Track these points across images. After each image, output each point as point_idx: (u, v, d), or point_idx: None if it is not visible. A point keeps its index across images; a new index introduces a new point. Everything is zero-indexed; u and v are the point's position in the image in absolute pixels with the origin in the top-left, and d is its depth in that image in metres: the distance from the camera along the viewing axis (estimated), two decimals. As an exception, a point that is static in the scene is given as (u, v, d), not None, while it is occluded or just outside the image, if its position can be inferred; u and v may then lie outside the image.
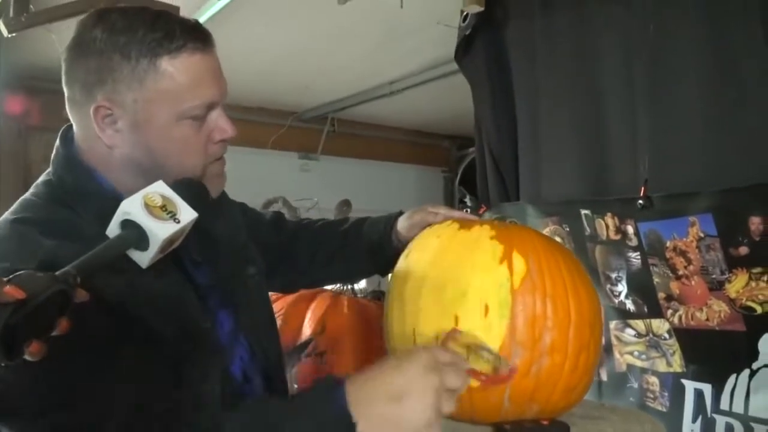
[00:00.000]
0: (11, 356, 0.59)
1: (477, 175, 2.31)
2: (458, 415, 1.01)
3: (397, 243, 1.22)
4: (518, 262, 0.97)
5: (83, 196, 0.91)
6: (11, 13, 1.98)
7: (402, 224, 1.22)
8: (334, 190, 3.46)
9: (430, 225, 1.16)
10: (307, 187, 3.99)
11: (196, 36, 0.91)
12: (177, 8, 2.20)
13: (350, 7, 2.37)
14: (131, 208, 0.75)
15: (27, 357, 0.60)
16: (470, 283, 0.97)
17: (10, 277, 0.60)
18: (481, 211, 2.20)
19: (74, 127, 0.95)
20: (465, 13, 2.10)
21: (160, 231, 0.75)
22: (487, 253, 0.99)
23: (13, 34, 2.14)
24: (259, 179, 3.99)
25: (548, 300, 0.96)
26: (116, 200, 0.89)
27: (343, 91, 4.04)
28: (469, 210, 2.28)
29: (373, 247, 1.24)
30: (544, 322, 0.95)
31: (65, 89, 0.93)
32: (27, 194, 0.95)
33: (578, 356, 0.97)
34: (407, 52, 3.25)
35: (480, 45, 2.18)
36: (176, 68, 0.88)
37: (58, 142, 0.96)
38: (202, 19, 2.52)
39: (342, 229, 1.30)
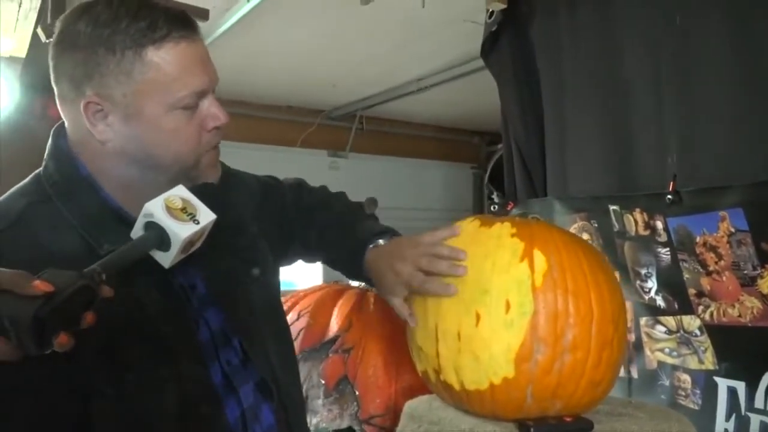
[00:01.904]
0: (41, 347, 0.63)
1: (504, 172, 2.30)
2: (481, 411, 1.01)
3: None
4: (539, 259, 0.98)
5: (60, 180, 0.92)
6: (48, 19, 2.04)
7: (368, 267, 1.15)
8: (363, 187, 3.48)
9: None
10: (336, 185, 4.01)
11: (181, 24, 0.89)
12: (206, 11, 2.24)
13: (375, 5, 2.38)
14: (153, 210, 0.78)
15: (56, 348, 0.64)
16: (491, 281, 0.97)
17: (41, 273, 0.64)
18: (508, 208, 2.19)
19: (66, 123, 0.95)
20: (490, 10, 2.09)
21: (180, 232, 0.78)
22: (508, 251, 0.99)
23: (51, 39, 2.20)
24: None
25: (570, 297, 0.96)
26: (89, 186, 0.91)
27: (371, 88, 4.05)
28: (496, 207, 2.28)
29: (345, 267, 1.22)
30: (565, 319, 0.95)
31: (54, 86, 0.92)
32: None
33: (601, 352, 0.97)
34: (434, 48, 3.24)
35: (506, 41, 2.17)
36: (162, 58, 0.87)
37: (50, 138, 0.96)
38: (230, 22, 2.56)
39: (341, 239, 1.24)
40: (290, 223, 1.23)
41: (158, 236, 0.78)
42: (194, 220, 0.80)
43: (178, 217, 0.79)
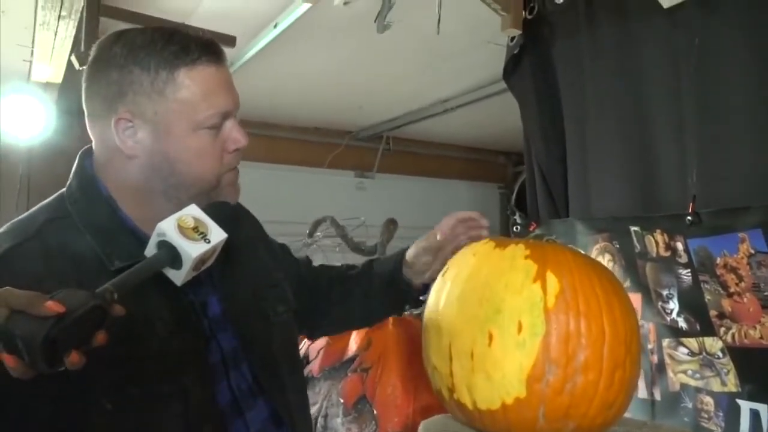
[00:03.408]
0: (52, 365, 0.65)
1: (527, 192, 2.32)
2: (494, 431, 1.03)
3: (408, 274, 1.27)
4: (552, 281, 0.99)
5: (81, 198, 0.97)
6: (82, 47, 2.12)
7: (409, 253, 1.28)
8: (390, 207, 3.51)
9: (437, 248, 1.25)
10: (363, 205, 4.06)
11: (211, 50, 0.96)
12: (233, 38, 2.31)
13: (399, 29, 2.42)
14: (166, 229, 0.81)
15: (67, 366, 0.66)
16: (504, 301, 0.99)
17: (54, 293, 0.67)
18: (531, 228, 2.20)
19: (93, 142, 0.99)
20: (510, 34, 2.12)
21: (191, 250, 0.81)
22: (521, 272, 1.01)
23: (84, 67, 2.29)
24: (316, 198, 4.09)
25: (582, 318, 0.97)
26: (108, 205, 0.95)
27: (398, 110, 4.10)
28: (519, 227, 2.28)
29: (386, 281, 1.28)
30: (577, 341, 0.96)
31: (85, 106, 0.97)
32: None
33: (613, 374, 0.97)
34: (459, 70, 3.28)
35: (527, 63, 2.19)
36: (193, 79, 0.93)
37: (77, 160, 1.02)
38: (258, 47, 2.63)
39: (356, 270, 1.35)
40: (303, 285, 1.30)
41: (170, 255, 0.81)
42: (205, 239, 0.84)
43: (189, 236, 0.82)
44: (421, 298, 1.27)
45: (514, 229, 2.32)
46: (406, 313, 1.87)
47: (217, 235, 0.86)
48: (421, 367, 1.17)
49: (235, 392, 1.00)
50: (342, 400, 1.52)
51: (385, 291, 1.28)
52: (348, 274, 1.35)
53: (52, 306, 0.65)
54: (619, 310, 1.00)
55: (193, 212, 0.86)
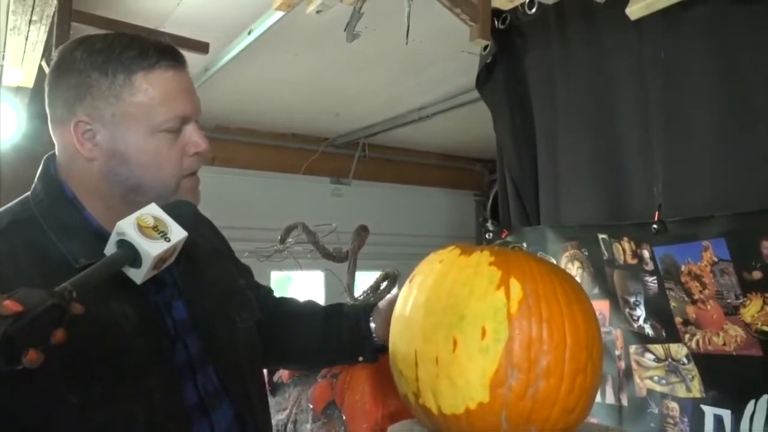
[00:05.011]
0: (10, 364, 0.65)
1: (499, 200, 2.34)
2: (458, 436, 1.04)
3: (374, 325, 1.26)
4: (515, 287, 1.00)
5: (46, 200, 0.97)
6: (53, 52, 2.10)
7: (381, 302, 1.27)
8: (365, 214, 3.50)
9: None
10: (338, 212, 4.07)
11: (169, 55, 0.97)
12: (206, 44, 2.31)
13: (375, 37, 2.44)
14: (125, 228, 0.82)
15: (25, 365, 0.66)
16: (469, 307, 1.00)
17: (11, 292, 0.67)
18: (503, 236, 2.22)
19: (56, 145, 1.00)
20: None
21: (151, 249, 0.82)
22: (486, 279, 1.02)
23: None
24: (292, 204, 4.09)
25: (544, 324, 0.98)
26: (72, 206, 0.96)
27: (374, 117, 4.12)
28: (491, 234, 2.31)
29: (351, 322, 1.27)
30: (539, 346, 0.98)
31: (48, 109, 0.99)
32: None
33: (574, 379, 0.99)
34: (434, 79, 3.31)
35: (500, 73, 2.22)
36: (150, 83, 0.94)
37: (41, 164, 1.02)
38: (232, 53, 2.63)
39: (320, 307, 1.35)
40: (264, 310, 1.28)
41: (130, 253, 0.82)
42: (165, 238, 0.84)
43: (149, 235, 0.83)
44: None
45: (486, 236, 2.34)
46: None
47: (177, 234, 0.86)
48: (390, 373, 1.18)
49: (201, 393, 1.00)
50: (311, 406, 1.53)
51: (346, 330, 1.28)
52: (311, 309, 1.35)
53: (9, 305, 0.65)
54: (581, 317, 1.02)
55: (153, 211, 0.87)
